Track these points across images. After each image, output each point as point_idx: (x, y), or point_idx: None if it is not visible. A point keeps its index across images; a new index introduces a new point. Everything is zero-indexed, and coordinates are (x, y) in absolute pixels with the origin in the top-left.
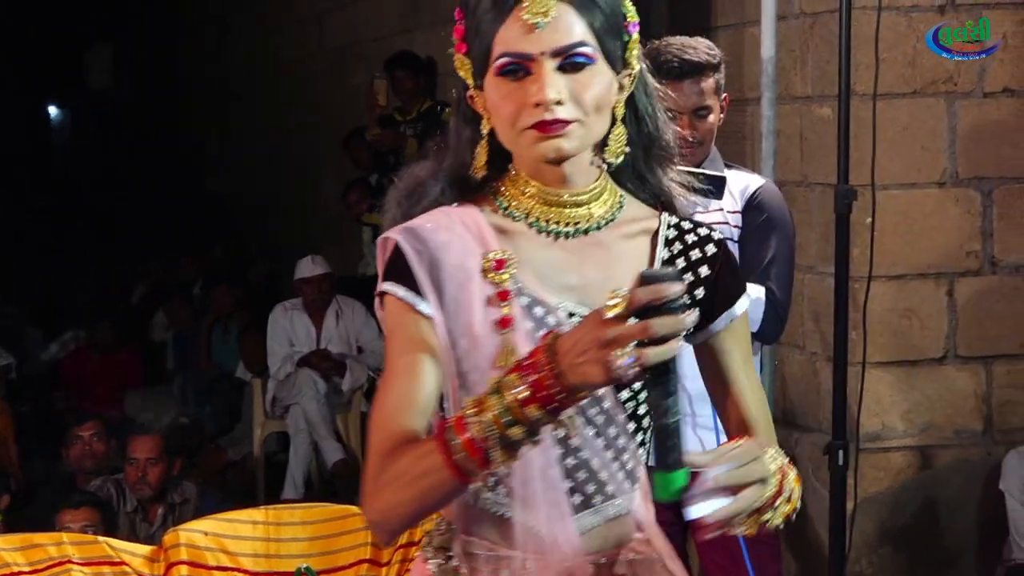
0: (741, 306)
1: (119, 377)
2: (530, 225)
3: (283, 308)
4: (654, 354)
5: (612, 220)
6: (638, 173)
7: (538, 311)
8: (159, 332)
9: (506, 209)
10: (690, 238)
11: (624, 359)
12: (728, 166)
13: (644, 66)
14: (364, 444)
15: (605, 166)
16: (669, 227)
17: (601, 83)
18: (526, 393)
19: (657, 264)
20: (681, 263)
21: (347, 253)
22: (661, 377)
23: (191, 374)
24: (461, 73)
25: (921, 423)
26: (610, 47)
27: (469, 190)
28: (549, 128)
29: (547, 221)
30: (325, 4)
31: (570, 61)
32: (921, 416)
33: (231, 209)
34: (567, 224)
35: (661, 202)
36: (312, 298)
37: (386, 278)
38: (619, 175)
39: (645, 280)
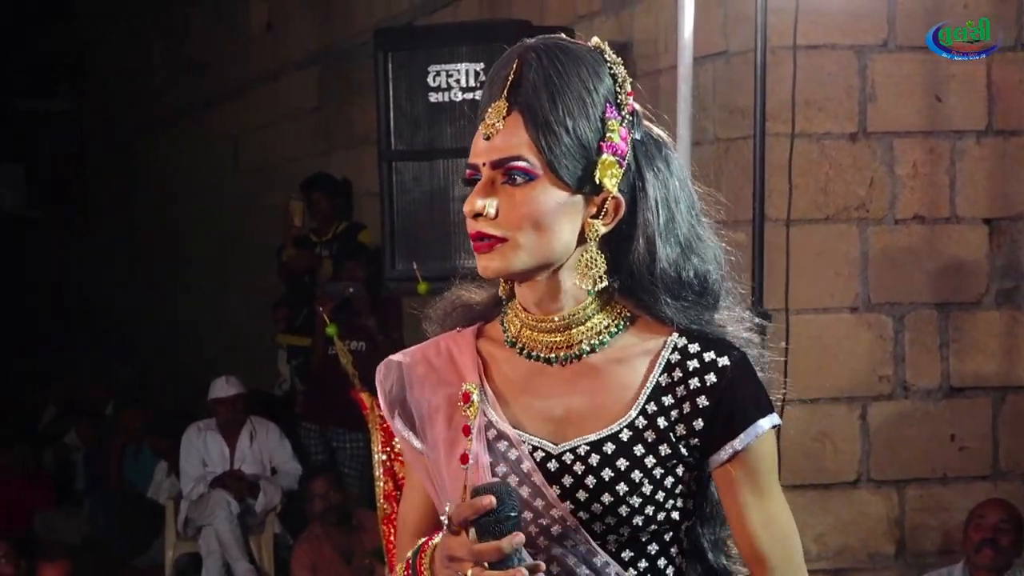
0: (747, 438)
1: (30, 498)
2: (520, 351)
3: (196, 428)
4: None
5: (603, 344)
6: (638, 297)
7: (501, 445)
8: (70, 453)
9: (505, 332)
10: (692, 364)
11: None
12: None
13: (660, 194)
14: (277, 565)
15: (591, 289)
16: (674, 350)
17: (542, 201)
18: None
19: (649, 388)
20: (680, 391)
21: (259, 374)
22: None
23: (102, 494)
24: None
25: (835, 546)
26: (566, 164)
27: (496, 311)
28: (476, 244)
29: (531, 348)
30: (240, 124)
31: (508, 175)
32: (835, 539)
33: (137, 329)
34: (548, 350)
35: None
36: (226, 418)
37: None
38: (636, 291)
39: (475, 494)
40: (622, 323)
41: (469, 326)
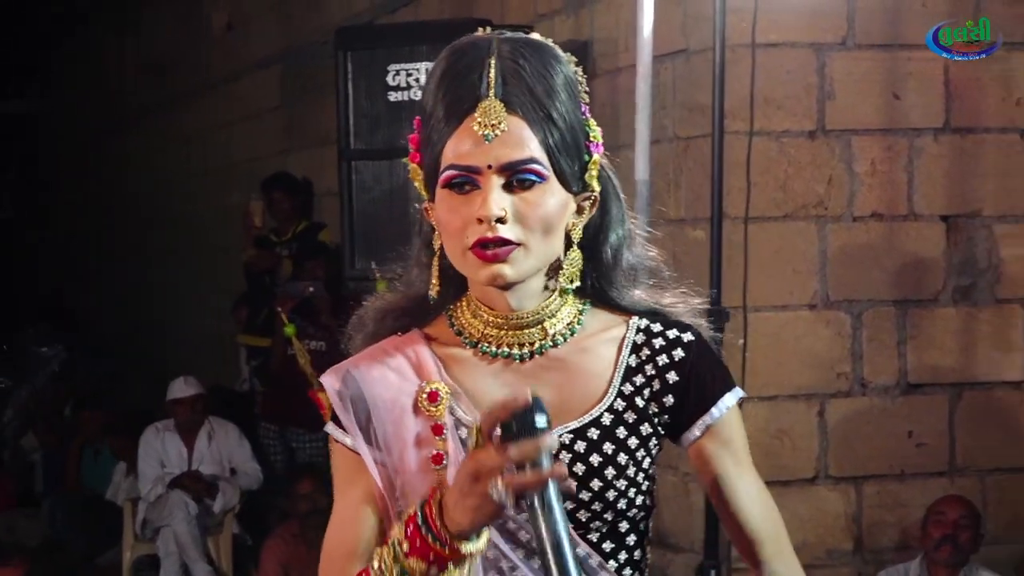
0: (719, 409)
1: None
2: (481, 351)
3: (155, 429)
4: (519, 483)
5: (572, 334)
6: (600, 289)
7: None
8: (29, 454)
9: (459, 334)
10: (658, 342)
11: (495, 491)
12: None
13: (613, 185)
14: (235, 566)
15: (559, 283)
16: (638, 331)
17: (551, 204)
18: (407, 546)
19: (620, 371)
20: (650, 370)
21: (221, 373)
22: (535, 496)
23: (61, 496)
24: (416, 184)
25: (793, 543)
26: (565, 166)
27: (426, 314)
28: (490, 251)
29: (498, 345)
30: (201, 124)
31: (518, 178)
32: (793, 536)
33: (100, 330)
34: (519, 347)
35: (625, 309)
36: (184, 419)
37: (331, 418)
38: (581, 287)
39: (494, 417)
40: (583, 316)
41: (404, 331)
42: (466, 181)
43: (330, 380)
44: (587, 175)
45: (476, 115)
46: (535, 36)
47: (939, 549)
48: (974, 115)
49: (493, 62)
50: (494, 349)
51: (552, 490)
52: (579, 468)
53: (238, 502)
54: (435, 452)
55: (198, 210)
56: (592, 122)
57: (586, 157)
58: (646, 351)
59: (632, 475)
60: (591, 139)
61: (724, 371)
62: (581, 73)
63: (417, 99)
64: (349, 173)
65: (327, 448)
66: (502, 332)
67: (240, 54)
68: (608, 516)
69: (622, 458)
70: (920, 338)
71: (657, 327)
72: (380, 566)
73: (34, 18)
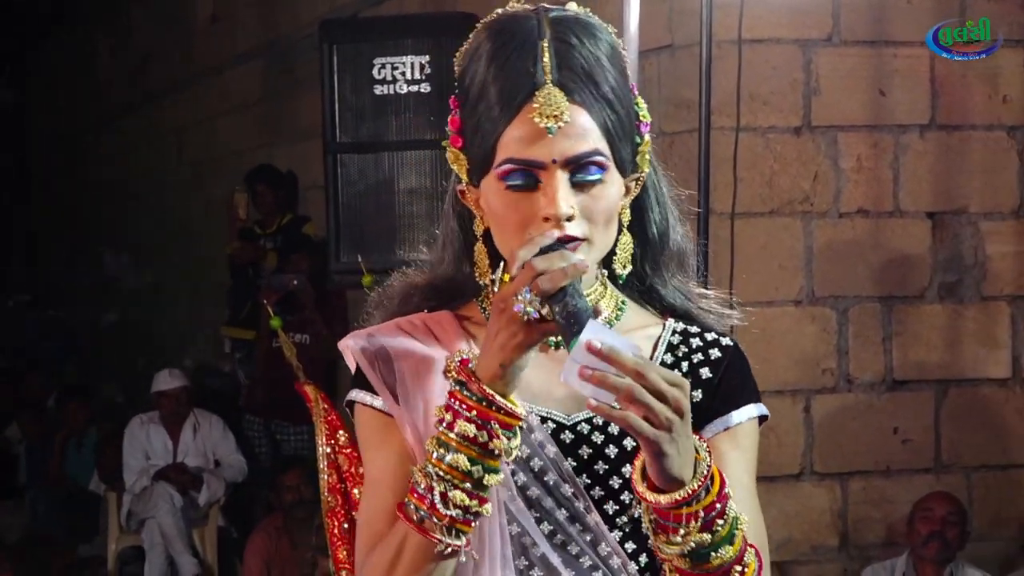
0: (740, 415)
1: None
2: None
3: (140, 421)
4: (545, 279)
5: (610, 327)
6: (640, 278)
7: None
8: (12, 445)
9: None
10: (695, 342)
11: (521, 301)
12: None
13: (656, 167)
14: (220, 558)
15: (604, 272)
16: (674, 333)
17: (613, 194)
18: (449, 416)
19: (657, 362)
20: (684, 367)
21: (206, 366)
22: (560, 300)
23: (44, 488)
24: (454, 167)
25: (778, 539)
26: (623, 152)
27: (455, 297)
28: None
29: None
30: (185, 117)
31: (582, 171)
32: (778, 532)
33: (81, 321)
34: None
35: (667, 309)
36: (169, 411)
37: (354, 385)
38: (619, 280)
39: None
40: (622, 307)
41: (434, 309)
42: (525, 175)
43: (354, 340)
44: (639, 157)
45: (535, 104)
46: (576, 8)
47: (927, 545)
48: (960, 112)
49: (546, 45)
50: None
51: (574, 291)
52: (611, 451)
53: (223, 494)
54: None
55: (182, 202)
56: (640, 100)
57: (637, 139)
58: (683, 349)
59: None
60: (640, 119)
61: (754, 385)
62: (622, 46)
63: (403, 92)
64: (335, 166)
65: (312, 440)
66: None
67: (224, 46)
68: (635, 513)
69: None
70: (906, 335)
71: (695, 329)
72: (424, 470)
73: (20, 9)
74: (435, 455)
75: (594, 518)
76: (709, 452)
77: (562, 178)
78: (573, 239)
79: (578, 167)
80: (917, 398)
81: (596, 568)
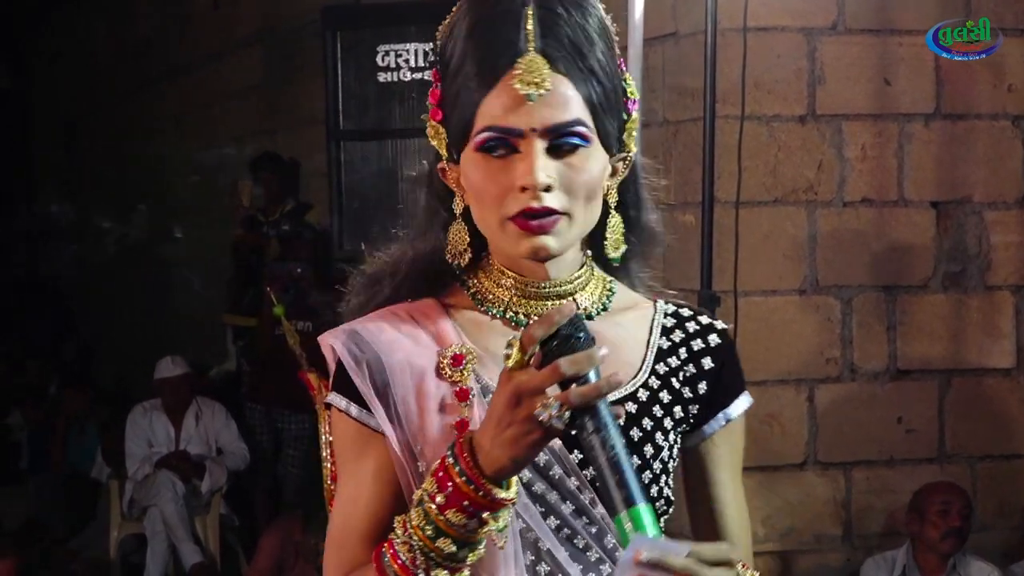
0: (738, 407)
1: None
2: (507, 319)
3: (142, 408)
4: (577, 394)
5: (605, 308)
6: (624, 261)
7: None
8: (14, 432)
9: (480, 303)
10: (691, 326)
11: (547, 410)
12: None
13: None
14: (222, 547)
15: (589, 254)
16: (666, 315)
17: (595, 169)
18: (441, 498)
19: (652, 351)
20: (683, 354)
21: (208, 352)
22: (587, 415)
23: (45, 474)
24: (434, 143)
25: (782, 528)
26: (607, 127)
27: (436, 279)
28: (534, 222)
29: (526, 315)
30: (186, 103)
31: (562, 141)
32: (782, 521)
33: (79, 309)
34: None
35: (650, 289)
36: (171, 398)
37: (332, 387)
38: (604, 261)
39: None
40: (612, 290)
41: (414, 298)
42: (503, 144)
43: (339, 342)
44: (625, 135)
45: (516, 71)
46: None
47: (944, 540)
48: (965, 101)
49: (531, 12)
50: (521, 317)
51: (604, 407)
52: None
53: (225, 482)
54: (459, 418)
55: (182, 189)
56: (628, 76)
57: (624, 116)
58: (679, 333)
59: (666, 459)
60: (628, 95)
61: (742, 372)
62: (611, 20)
63: (407, 80)
64: (338, 153)
65: (314, 428)
66: (531, 302)
67: (225, 32)
68: (650, 496)
69: (659, 438)
70: (909, 324)
71: (687, 312)
72: (408, 532)
73: None
74: (423, 531)
75: (599, 511)
76: None
77: (541, 147)
78: (551, 211)
79: (558, 137)
80: (921, 388)
81: (603, 561)
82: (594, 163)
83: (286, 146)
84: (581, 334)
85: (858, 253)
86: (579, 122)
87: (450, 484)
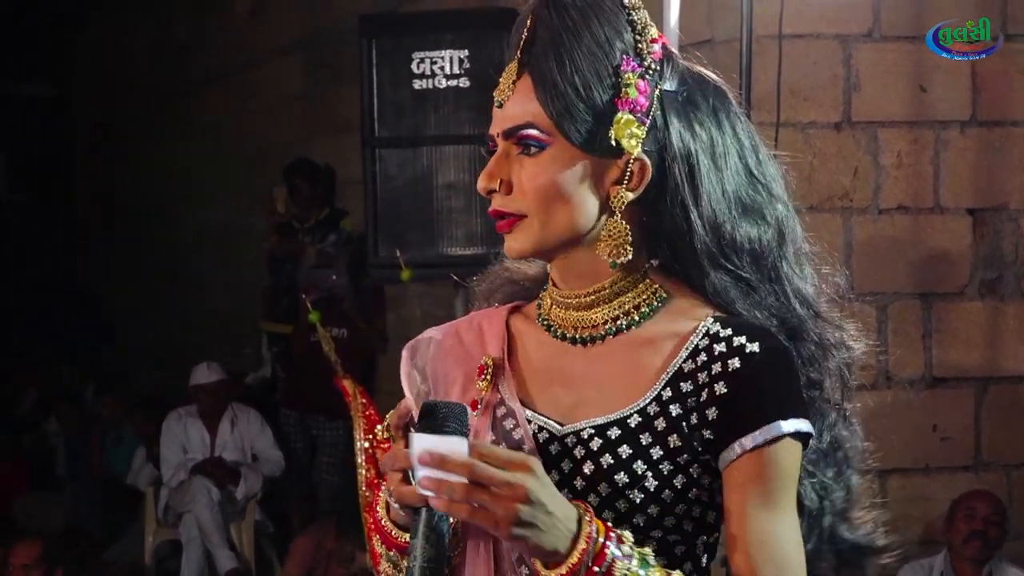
0: (758, 437)
1: (8, 484)
2: (548, 329)
3: (177, 415)
4: (399, 491)
5: (633, 325)
6: (678, 269)
7: (508, 423)
8: (51, 438)
9: (540, 311)
10: (718, 348)
11: (387, 493)
12: None
13: (696, 149)
14: (257, 553)
15: (614, 261)
16: (705, 335)
17: (554, 170)
18: (376, 538)
19: (669, 373)
20: (703, 378)
21: (243, 359)
22: (416, 513)
23: (82, 481)
24: None
25: None
26: (577, 128)
27: (537, 288)
28: (498, 223)
29: (561, 326)
30: (223, 110)
31: (523, 144)
32: None
33: (116, 315)
34: (578, 330)
35: (713, 295)
36: (207, 405)
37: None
38: (676, 263)
39: (427, 407)
40: (655, 303)
41: (509, 302)
42: (490, 151)
43: (406, 354)
44: (620, 136)
45: (499, 79)
46: None
47: (968, 544)
48: (1001, 108)
49: (528, 25)
50: (559, 331)
51: (428, 515)
52: (588, 467)
53: (260, 489)
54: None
55: (220, 196)
56: (631, 76)
57: (618, 116)
58: (703, 356)
59: (652, 489)
60: (622, 96)
61: (787, 396)
62: (644, 20)
63: (442, 87)
64: (373, 161)
65: (349, 435)
66: (565, 313)
67: (263, 39)
68: (634, 524)
69: (639, 466)
70: (945, 332)
71: (727, 331)
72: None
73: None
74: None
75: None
76: (590, 514)
77: (501, 151)
78: (505, 214)
79: (517, 140)
80: (957, 395)
81: None
82: (554, 164)
83: (322, 153)
84: (448, 427)
85: (894, 260)
86: (530, 124)
87: (371, 518)
